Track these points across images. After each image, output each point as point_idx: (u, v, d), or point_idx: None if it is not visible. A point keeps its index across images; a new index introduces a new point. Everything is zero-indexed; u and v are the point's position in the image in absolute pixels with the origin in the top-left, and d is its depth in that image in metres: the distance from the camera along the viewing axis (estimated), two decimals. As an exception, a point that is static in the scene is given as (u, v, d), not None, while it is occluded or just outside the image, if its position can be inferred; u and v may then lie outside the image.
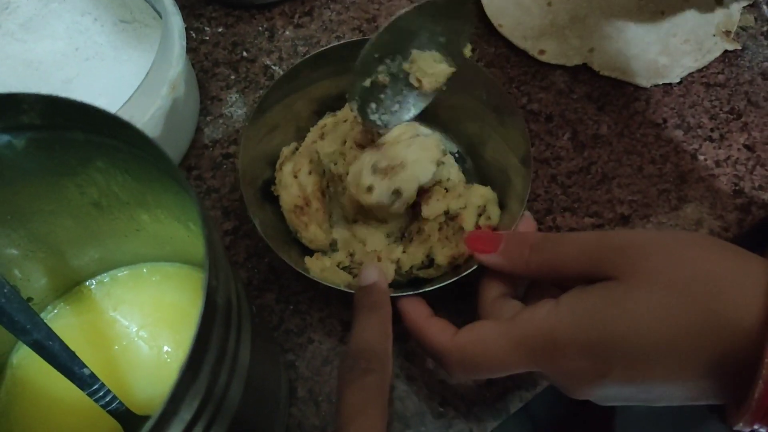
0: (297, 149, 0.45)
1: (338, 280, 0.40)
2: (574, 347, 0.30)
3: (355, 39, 0.47)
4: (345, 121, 0.44)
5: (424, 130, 0.42)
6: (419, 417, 0.40)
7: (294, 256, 0.41)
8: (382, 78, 0.39)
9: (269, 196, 0.43)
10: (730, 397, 0.30)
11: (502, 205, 0.42)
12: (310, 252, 0.43)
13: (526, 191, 0.39)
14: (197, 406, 0.20)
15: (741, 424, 0.28)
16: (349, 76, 0.38)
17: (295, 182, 0.42)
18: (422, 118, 0.42)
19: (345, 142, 0.43)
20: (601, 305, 0.30)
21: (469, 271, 0.38)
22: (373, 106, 0.40)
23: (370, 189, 0.39)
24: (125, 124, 0.25)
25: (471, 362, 0.33)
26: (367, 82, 0.38)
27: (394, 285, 0.41)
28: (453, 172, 0.43)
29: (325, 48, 0.44)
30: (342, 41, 0.49)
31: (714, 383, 0.29)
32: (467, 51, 0.39)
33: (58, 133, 0.28)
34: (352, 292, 0.37)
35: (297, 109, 0.45)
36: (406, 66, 0.39)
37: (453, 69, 0.39)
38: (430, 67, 0.39)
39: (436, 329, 0.35)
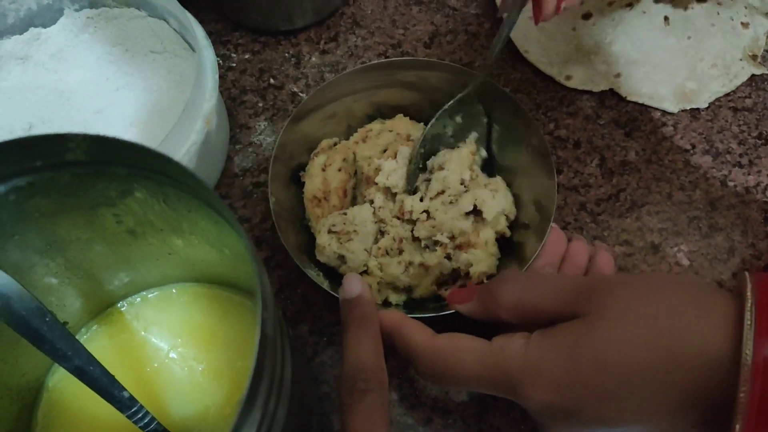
0: (335, 145, 0.46)
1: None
2: (542, 385, 0.30)
3: (427, 59, 0.47)
4: (390, 131, 0.45)
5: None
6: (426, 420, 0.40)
7: (298, 242, 0.42)
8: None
9: (298, 180, 0.44)
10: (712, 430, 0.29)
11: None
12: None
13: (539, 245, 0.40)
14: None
15: None
16: (412, 92, 0.43)
17: (321, 174, 0.43)
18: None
19: (386, 150, 0.44)
20: (567, 343, 0.30)
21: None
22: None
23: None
24: (169, 161, 0.25)
25: (443, 368, 0.33)
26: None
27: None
28: (507, 204, 0.43)
29: (399, 59, 0.45)
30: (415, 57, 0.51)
31: (691, 420, 0.28)
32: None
33: (101, 167, 0.28)
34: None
35: (355, 109, 0.47)
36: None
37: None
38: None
39: (414, 329, 0.35)
